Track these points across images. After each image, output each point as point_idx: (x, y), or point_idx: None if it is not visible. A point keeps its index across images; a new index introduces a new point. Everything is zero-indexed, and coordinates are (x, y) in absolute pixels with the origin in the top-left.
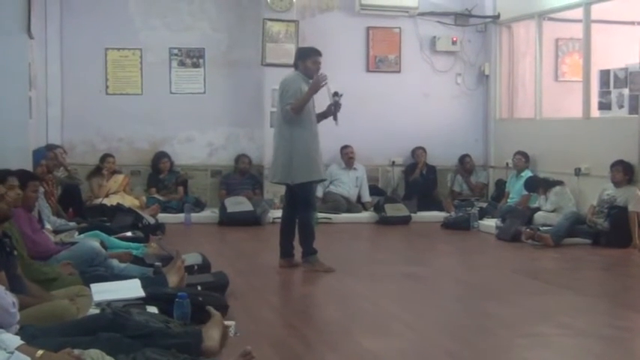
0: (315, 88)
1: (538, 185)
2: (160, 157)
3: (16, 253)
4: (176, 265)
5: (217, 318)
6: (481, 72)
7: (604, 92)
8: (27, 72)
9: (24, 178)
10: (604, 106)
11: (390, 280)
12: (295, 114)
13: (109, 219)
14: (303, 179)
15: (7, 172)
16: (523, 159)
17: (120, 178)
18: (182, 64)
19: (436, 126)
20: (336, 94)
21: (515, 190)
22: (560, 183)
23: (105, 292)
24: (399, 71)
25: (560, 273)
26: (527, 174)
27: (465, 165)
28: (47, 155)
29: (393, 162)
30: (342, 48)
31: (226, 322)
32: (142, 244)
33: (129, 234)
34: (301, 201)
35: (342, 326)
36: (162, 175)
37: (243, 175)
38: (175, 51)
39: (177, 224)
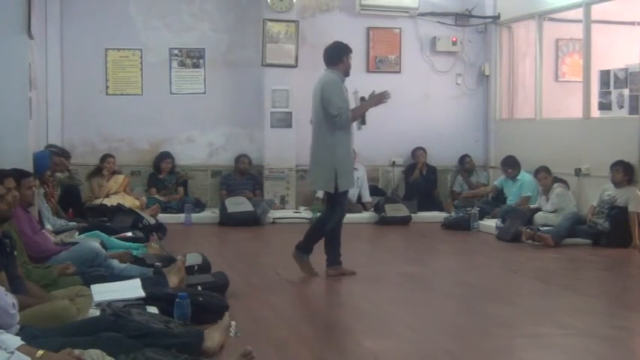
0: (374, 103)
1: (549, 172)
2: (164, 157)
3: (16, 253)
4: (176, 266)
5: (226, 323)
6: (481, 72)
7: (604, 92)
8: (27, 72)
9: (17, 176)
10: (604, 106)
11: (390, 281)
12: (351, 123)
13: (109, 219)
14: (345, 187)
15: (1, 172)
16: (514, 170)
17: (120, 178)
18: (182, 64)
19: (436, 126)
20: (363, 99)
21: (513, 193)
22: (564, 184)
23: (105, 292)
24: (399, 71)
25: (561, 273)
26: (523, 176)
27: (465, 165)
28: (55, 160)
29: (394, 162)
30: None
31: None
32: (142, 245)
33: (129, 234)
34: (334, 206)
35: (342, 326)
36: (162, 176)
37: (243, 176)
38: (175, 51)
39: (177, 224)
